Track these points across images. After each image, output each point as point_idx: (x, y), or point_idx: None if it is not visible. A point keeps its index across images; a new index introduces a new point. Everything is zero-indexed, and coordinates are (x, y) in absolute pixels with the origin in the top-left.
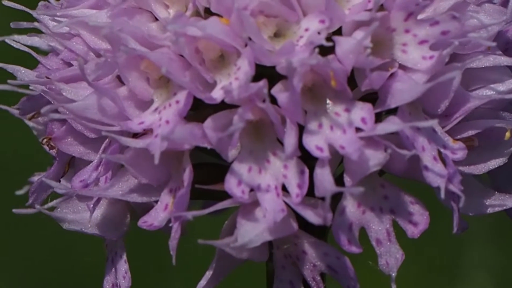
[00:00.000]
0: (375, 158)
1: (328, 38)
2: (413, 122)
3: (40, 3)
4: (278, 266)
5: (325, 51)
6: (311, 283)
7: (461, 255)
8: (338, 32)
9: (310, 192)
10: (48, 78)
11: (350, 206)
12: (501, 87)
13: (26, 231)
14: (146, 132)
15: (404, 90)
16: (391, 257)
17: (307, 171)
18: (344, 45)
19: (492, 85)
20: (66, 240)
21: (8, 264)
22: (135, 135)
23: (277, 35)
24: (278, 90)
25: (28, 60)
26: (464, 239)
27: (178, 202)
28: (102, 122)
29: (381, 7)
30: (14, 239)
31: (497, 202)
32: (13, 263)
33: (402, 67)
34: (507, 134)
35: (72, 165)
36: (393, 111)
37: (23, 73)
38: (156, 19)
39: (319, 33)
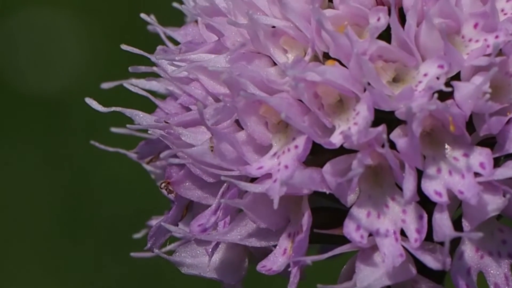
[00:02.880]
0: (494, 203)
1: (447, 83)
2: None
3: (159, 47)
4: None
5: (443, 95)
6: None
7: None
8: (457, 77)
9: (428, 237)
10: (167, 122)
11: (469, 251)
12: None
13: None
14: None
15: None
16: None
17: (425, 216)
18: (463, 90)
19: None
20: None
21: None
22: (253, 180)
23: (395, 80)
24: (397, 135)
25: (144, 104)
26: None
27: (297, 246)
28: (220, 166)
29: (500, 52)
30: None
31: None
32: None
33: None
34: None
35: (190, 209)
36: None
37: (141, 117)
38: (275, 64)
39: (438, 78)
